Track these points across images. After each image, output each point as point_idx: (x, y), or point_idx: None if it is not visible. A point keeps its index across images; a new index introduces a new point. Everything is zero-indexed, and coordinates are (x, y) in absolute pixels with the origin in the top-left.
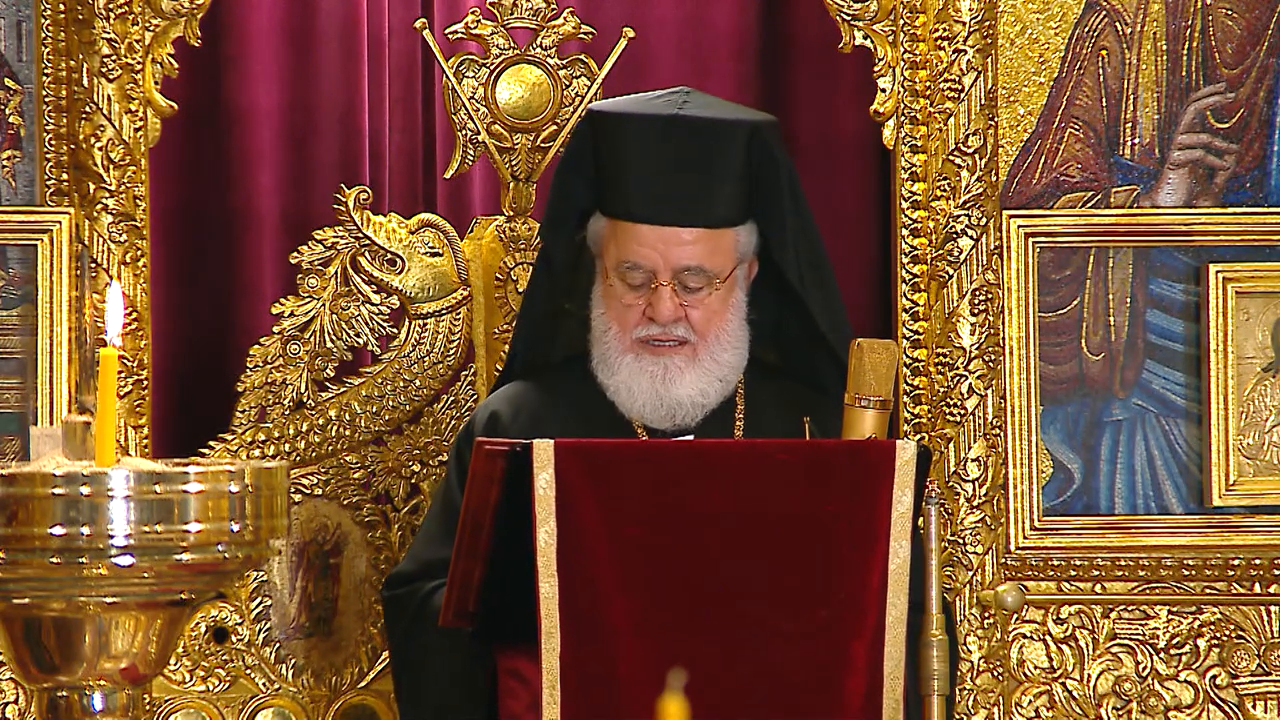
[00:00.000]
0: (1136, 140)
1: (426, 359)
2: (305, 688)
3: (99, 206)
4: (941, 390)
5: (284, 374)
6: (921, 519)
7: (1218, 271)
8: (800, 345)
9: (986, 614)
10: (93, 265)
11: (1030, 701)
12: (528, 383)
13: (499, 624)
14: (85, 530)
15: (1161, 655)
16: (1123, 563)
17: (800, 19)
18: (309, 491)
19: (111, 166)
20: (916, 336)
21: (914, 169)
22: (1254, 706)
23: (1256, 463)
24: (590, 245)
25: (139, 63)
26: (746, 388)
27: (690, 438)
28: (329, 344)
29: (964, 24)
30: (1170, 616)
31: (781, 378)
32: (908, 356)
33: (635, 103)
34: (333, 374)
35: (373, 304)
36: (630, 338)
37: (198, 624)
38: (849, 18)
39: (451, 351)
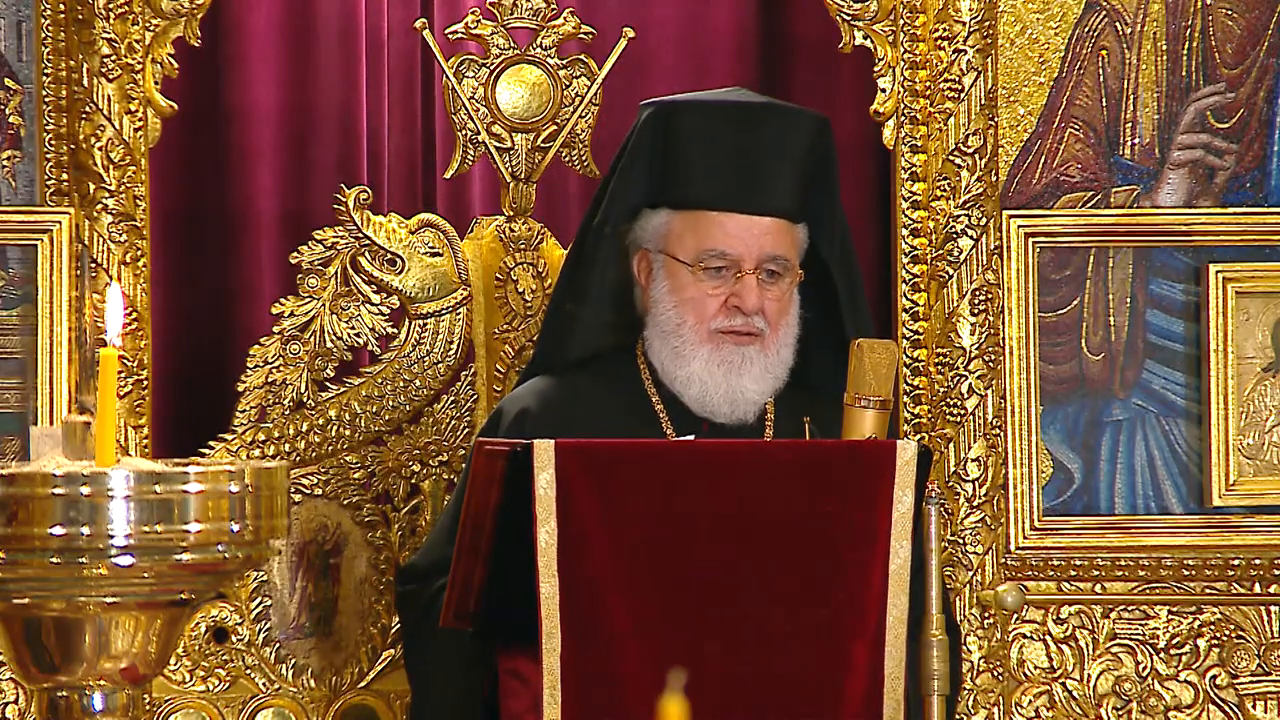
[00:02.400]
0: (1136, 140)
1: (426, 359)
2: (305, 688)
3: (99, 206)
4: (941, 390)
5: (284, 374)
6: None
7: (1218, 271)
8: (826, 353)
9: (986, 614)
10: (93, 265)
11: (1030, 701)
12: (554, 378)
13: (500, 624)
14: (85, 530)
15: (1161, 655)
16: (1123, 563)
17: (800, 19)
18: (309, 491)
19: (111, 166)
20: (916, 336)
21: (914, 169)
22: (1254, 706)
23: (1256, 463)
24: (644, 241)
25: (139, 63)
26: (776, 396)
27: (691, 438)
28: (329, 344)
29: (964, 24)
30: (1170, 616)
31: (808, 387)
32: (908, 356)
33: (701, 96)
34: (333, 374)
35: (373, 304)
36: (708, 328)
37: (198, 624)
38: (849, 18)
39: (451, 351)
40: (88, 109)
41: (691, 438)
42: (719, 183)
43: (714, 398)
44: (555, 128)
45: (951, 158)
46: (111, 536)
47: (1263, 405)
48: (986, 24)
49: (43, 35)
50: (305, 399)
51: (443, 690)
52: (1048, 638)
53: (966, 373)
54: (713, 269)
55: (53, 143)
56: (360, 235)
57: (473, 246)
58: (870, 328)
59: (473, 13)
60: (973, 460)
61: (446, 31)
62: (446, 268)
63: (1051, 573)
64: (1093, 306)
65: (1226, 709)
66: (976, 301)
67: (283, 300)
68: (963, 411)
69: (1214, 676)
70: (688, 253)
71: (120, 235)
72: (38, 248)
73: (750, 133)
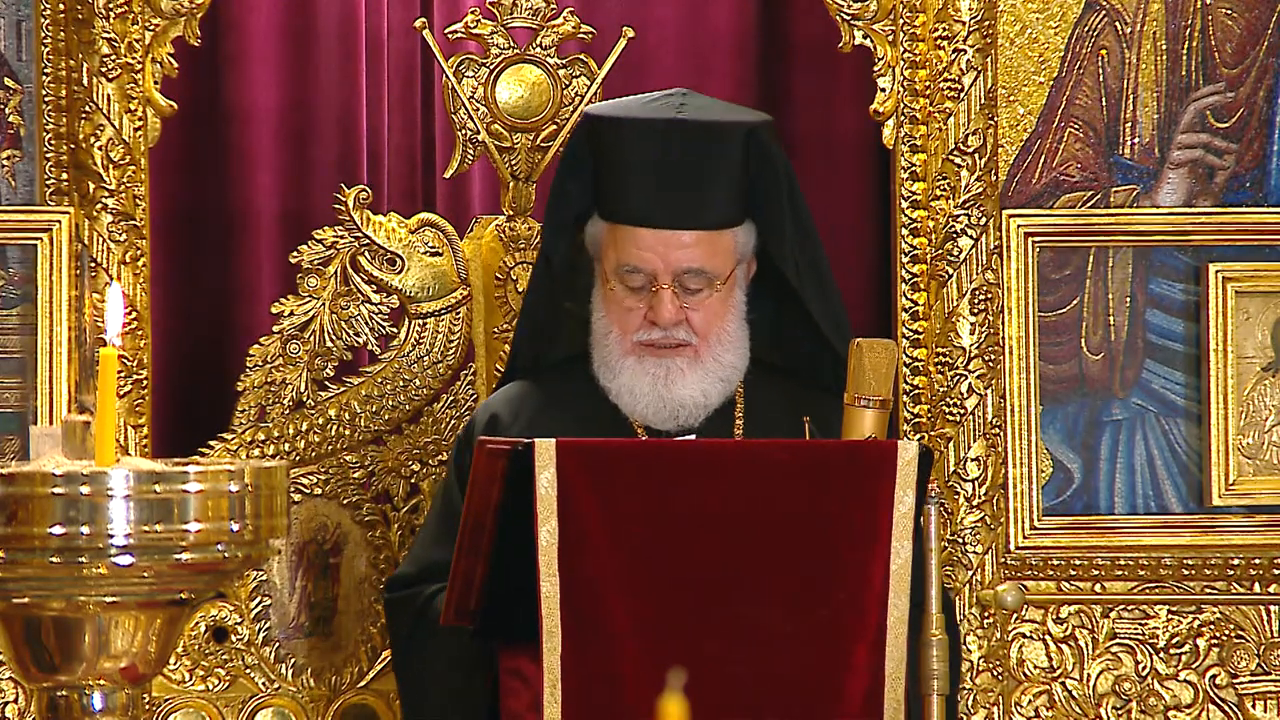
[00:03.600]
0: (1136, 140)
1: (426, 359)
2: (305, 687)
3: (99, 206)
4: (941, 390)
5: (284, 374)
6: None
7: (1217, 271)
8: (800, 344)
9: (986, 614)
10: (92, 265)
11: (1030, 701)
12: (528, 383)
13: (500, 623)
14: (85, 530)
15: (1161, 655)
16: (1122, 562)
17: (800, 19)
18: (309, 491)
19: (111, 166)
20: (916, 336)
21: (914, 168)
22: (1254, 706)
23: (1256, 462)
24: (589, 247)
25: (139, 62)
26: (746, 387)
27: (692, 437)
28: (329, 344)
29: (964, 23)
30: (1170, 616)
31: (781, 376)
32: (907, 356)
33: (632, 106)
34: (332, 373)
35: (372, 304)
36: (631, 340)
37: (198, 624)
38: (849, 17)
39: (451, 351)
40: (87, 109)
41: (692, 437)
42: (637, 199)
43: (643, 407)
44: (555, 127)
45: (951, 157)
46: (111, 536)
47: (1262, 405)
48: (986, 24)
49: (42, 35)
50: (305, 399)
51: (444, 692)
52: (1047, 637)
53: (966, 372)
54: (632, 284)
55: (52, 142)
56: (360, 235)
57: (472, 246)
58: (844, 316)
59: (472, 12)
60: (972, 460)
61: (446, 31)
62: (446, 267)
63: (1051, 572)
64: (1092, 306)
65: (1226, 708)
66: (976, 301)
67: (283, 300)
68: (962, 411)
69: (1214, 676)
70: (610, 266)
71: (120, 235)
72: (37, 247)
73: (669, 149)
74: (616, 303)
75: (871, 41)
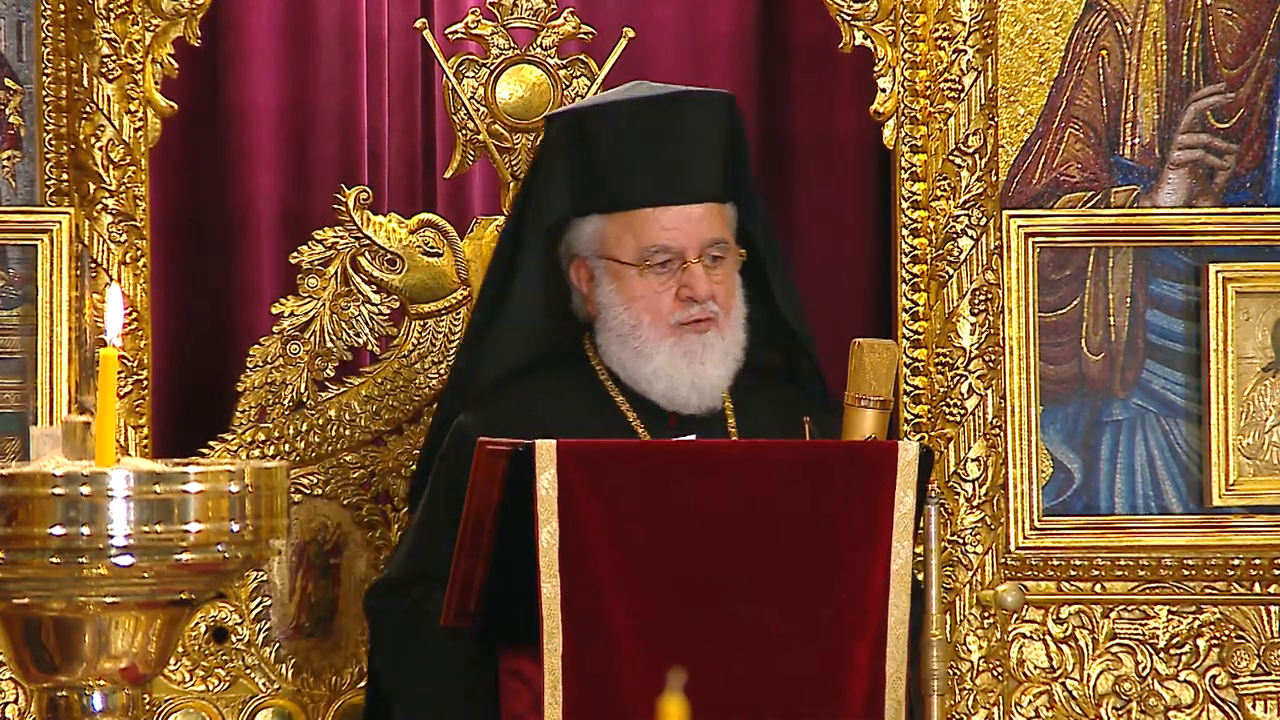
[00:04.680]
0: (1136, 140)
1: (426, 359)
2: (305, 687)
3: (99, 206)
4: (941, 390)
5: (284, 374)
6: (921, 519)
7: (1218, 271)
8: (774, 342)
9: (986, 614)
10: (93, 265)
11: (1030, 701)
12: (503, 393)
13: (501, 624)
14: (85, 530)
15: (1161, 655)
16: (1122, 563)
17: (800, 19)
18: (309, 491)
19: (111, 166)
20: (916, 336)
21: (914, 169)
22: (1254, 706)
23: (1256, 463)
24: (580, 250)
25: (139, 63)
26: (731, 388)
27: (693, 437)
28: (329, 344)
29: (964, 24)
30: (1170, 616)
31: (758, 375)
32: (908, 356)
33: (601, 98)
34: (333, 374)
35: (373, 304)
36: (667, 323)
37: (198, 624)
38: (849, 18)
39: (451, 351)
40: (88, 109)
41: (693, 437)
42: (646, 180)
43: (681, 389)
44: None
45: (951, 158)
46: (111, 536)
47: (1263, 405)
48: (986, 24)
49: (43, 35)
50: (305, 399)
51: (445, 694)
52: (1047, 637)
53: (966, 373)
54: (658, 264)
55: (53, 143)
56: (360, 235)
57: (473, 246)
58: (796, 295)
59: (473, 13)
60: (972, 460)
61: (446, 31)
62: (446, 268)
63: (1051, 573)
64: (1093, 306)
65: (1226, 709)
66: (976, 301)
67: (283, 300)
68: (963, 411)
69: (1214, 676)
70: (630, 254)
71: (120, 235)
72: (38, 248)
73: (666, 124)
74: (646, 290)
75: (872, 42)
